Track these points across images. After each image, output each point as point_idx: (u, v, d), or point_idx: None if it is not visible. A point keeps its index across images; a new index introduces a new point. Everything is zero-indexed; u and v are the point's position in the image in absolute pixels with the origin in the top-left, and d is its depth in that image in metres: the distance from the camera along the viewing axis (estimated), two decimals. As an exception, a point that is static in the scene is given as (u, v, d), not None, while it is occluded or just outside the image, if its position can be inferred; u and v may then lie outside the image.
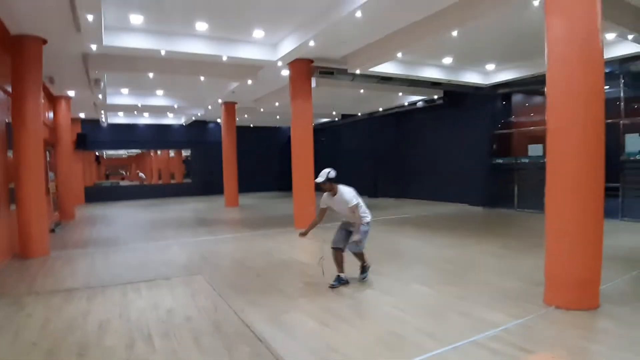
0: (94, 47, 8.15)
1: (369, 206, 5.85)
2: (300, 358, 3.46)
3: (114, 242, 9.19)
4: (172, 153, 30.24)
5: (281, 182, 22.01)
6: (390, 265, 6.38)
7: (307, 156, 10.34)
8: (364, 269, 5.81)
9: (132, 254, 7.84)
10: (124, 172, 45.17)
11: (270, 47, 9.57)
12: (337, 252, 5.67)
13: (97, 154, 33.55)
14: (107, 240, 9.46)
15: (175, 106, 15.80)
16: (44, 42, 7.84)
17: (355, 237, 5.43)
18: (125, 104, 14.95)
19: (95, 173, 36.63)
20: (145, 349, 3.68)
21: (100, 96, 12.69)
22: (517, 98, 13.63)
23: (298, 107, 10.37)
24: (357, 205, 5.43)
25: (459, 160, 14.37)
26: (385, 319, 4.29)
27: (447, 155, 14.96)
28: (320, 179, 5.47)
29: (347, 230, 5.73)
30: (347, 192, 5.47)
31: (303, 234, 5.81)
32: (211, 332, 4.04)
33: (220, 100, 15.26)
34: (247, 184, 21.67)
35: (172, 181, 25.25)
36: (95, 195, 20.31)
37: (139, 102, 14.86)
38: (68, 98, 13.48)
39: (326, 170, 5.52)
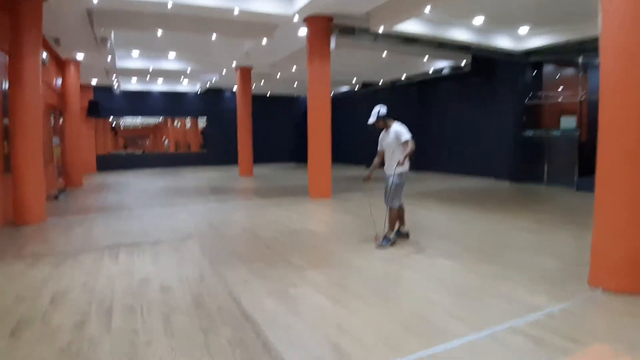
0: (95, 0, 7.55)
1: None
2: (298, 344, 2.92)
3: (118, 208, 8.80)
4: (188, 124, 29.89)
5: (298, 154, 21.40)
6: (412, 240, 5.77)
7: (324, 121, 9.69)
8: (386, 239, 5.47)
9: (134, 220, 7.42)
10: (142, 144, 45.32)
11: (285, 1, 8.83)
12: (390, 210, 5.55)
13: (113, 125, 33.51)
14: (111, 206, 9.08)
15: (188, 70, 15.17)
16: (44, -3, 7.29)
17: (390, 193, 5.39)
18: (137, 68, 14.38)
19: (112, 144, 36.69)
20: (97, 330, 3.10)
21: (109, 58, 12.16)
22: (549, 67, 12.66)
23: (315, 69, 9.66)
24: (408, 141, 5.24)
25: (486, 132, 13.52)
26: (408, 298, 3.75)
27: (473, 127, 14.10)
28: (372, 119, 5.42)
29: (387, 186, 5.52)
30: (401, 127, 5.39)
31: (366, 178, 5.67)
32: (188, 308, 3.51)
33: (234, 64, 14.58)
34: (262, 155, 21.15)
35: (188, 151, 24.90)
36: (109, 163, 20.03)
37: (150, 65, 14.28)
38: (77, 62, 13.00)
39: (376, 108, 5.42)
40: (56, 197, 10.20)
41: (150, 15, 8.76)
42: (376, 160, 5.68)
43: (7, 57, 7.15)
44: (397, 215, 5.54)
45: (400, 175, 5.40)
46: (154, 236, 6.17)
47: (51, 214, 7.85)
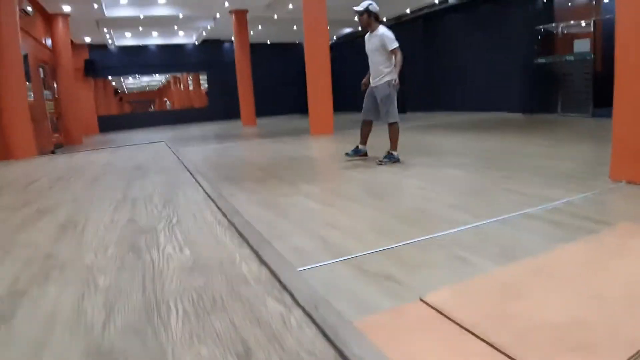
0: None
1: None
2: (278, 237, 2.58)
3: (107, 143, 8.47)
4: (191, 85, 29.30)
5: (302, 105, 20.78)
6: (417, 157, 5.32)
7: (323, 49, 9.13)
8: (389, 154, 4.88)
9: (129, 153, 7.10)
10: (147, 108, 44.84)
11: None
12: (365, 124, 5.15)
13: (117, 89, 33.00)
14: (105, 142, 8.76)
15: (180, 15, 14.48)
16: None
17: (381, 107, 4.89)
18: (127, 16, 13.76)
19: (118, 108, 36.33)
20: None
21: (95, 6, 11.56)
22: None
23: (310, -2, 9.03)
24: (396, 49, 4.68)
25: (496, 64, 12.78)
26: (407, 197, 3.36)
27: (482, 59, 13.34)
28: (359, 7, 4.82)
29: (374, 97, 4.95)
30: (387, 31, 4.78)
31: (364, 85, 5.17)
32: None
33: (227, 4, 13.85)
34: (266, 107, 20.64)
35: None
36: (112, 124, 19.72)
37: (141, 13, 13.64)
38: (65, 16, 12.44)
39: (367, 1, 4.79)
40: (53, 152, 9.94)
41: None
42: (369, 73, 5.16)
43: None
44: (397, 131, 4.95)
45: (389, 84, 4.81)
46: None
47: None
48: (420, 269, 1.95)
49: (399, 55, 4.71)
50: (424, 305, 1.56)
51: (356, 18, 5.02)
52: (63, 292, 1.76)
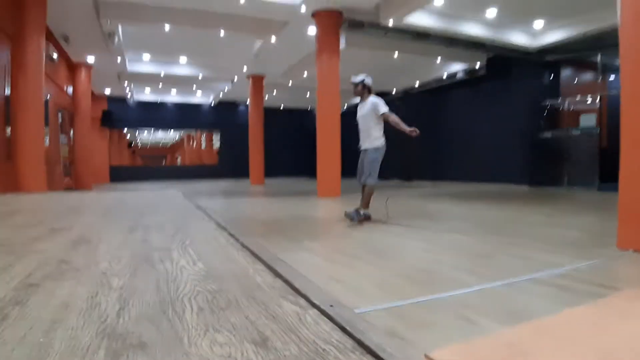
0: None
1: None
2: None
3: (120, 189, 8.57)
4: (204, 144, 30.05)
5: (310, 168, 21.12)
6: (421, 221, 5.35)
7: (333, 117, 9.45)
8: (357, 210, 5.06)
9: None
10: (159, 164, 45.64)
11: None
12: (363, 187, 5.28)
13: (131, 143, 33.87)
14: (113, 189, 8.86)
15: (200, 76, 15.18)
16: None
17: (365, 169, 5.13)
18: (148, 72, 14.45)
19: (130, 160, 37.06)
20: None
21: (119, 59, 12.20)
22: (566, 68, 12.26)
23: (324, 65, 9.46)
24: (385, 113, 4.95)
25: (502, 137, 13.06)
26: (411, 258, 3.32)
27: (488, 132, 13.65)
28: (355, 78, 5.18)
29: (363, 163, 5.22)
30: (377, 99, 5.08)
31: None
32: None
33: (245, 69, 14.52)
34: (275, 168, 21.03)
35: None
36: (123, 175, 20.07)
37: (161, 70, 14.33)
38: (88, 66, 13.14)
39: (362, 74, 5.20)
40: (62, 196, 10.09)
41: (155, 8, 8.73)
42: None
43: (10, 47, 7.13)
44: (371, 193, 5.17)
45: (378, 149, 5.09)
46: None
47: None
48: (425, 328, 1.91)
49: (393, 115, 4.98)
50: (428, 361, 1.51)
51: (356, 98, 5.35)
52: (77, 287, 1.78)
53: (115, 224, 3.47)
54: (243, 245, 2.57)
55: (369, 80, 5.17)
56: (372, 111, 5.04)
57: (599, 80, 11.00)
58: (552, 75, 12.17)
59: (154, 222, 3.57)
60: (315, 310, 1.40)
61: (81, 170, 12.93)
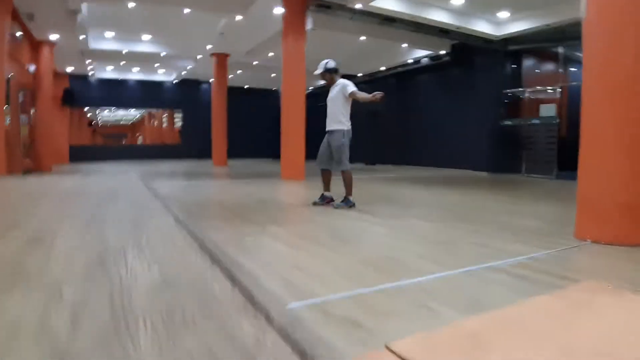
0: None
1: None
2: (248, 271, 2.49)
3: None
4: (165, 123, 29.16)
5: (275, 150, 20.92)
6: (383, 207, 5.37)
7: (298, 98, 9.29)
8: (345, 199, 5.03)
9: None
10: (120, 142, 44.05)
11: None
12: (324, 173, 5.20)
13: (92, 122, 32.46)
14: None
15: (162, 54, 14.62)
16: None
17: (335, 156, 5.00)
18: (111, 50, 13.80)
19: (90, 139, 35.56)
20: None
21: (81, 37, 11.57)
22: (529, 58, 12.54)
23: (289, 47, 9.27)
24: (354, 92, 4.86)
25: (464, 123, 13.30)
26: (374, 245, 3.33)
27: (451, 118, 13.87)
28: (318, 70, 5.06)
29: (328, 145, 5.09)
30: (346, 80, 5.00)
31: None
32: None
33: (209, 48, 14.08)
34: (239, 150, 20.66)
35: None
36: (83, 154, 19.26)
37: (124, 47, 13.71)
38: (51, 44, 12.42)
39: (324, 60, 5.07)
40: (24, 175, 9.61)
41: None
42: None
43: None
44: (351, 177, 5.05)
45: (344, 133, 4.98)
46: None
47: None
48: (387, 317, 1.89)
49: (360, 93, 4.90)
50: (390, 353, 1.49)
51: (321, 81, 5.16)
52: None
53: (71, 218, 3.25)
54: (201, 247, 2.47)
55: (331, 64, 5.07)
56: (340, 92, 4.96)
57: (560, 71, 11.30)
58: (515, 64, 12.42)
59: (110, 216, 3.37)
60: (274, 334, 1.34)
61: (41, 150, 12.29)
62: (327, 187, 5.27)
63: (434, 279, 2.41)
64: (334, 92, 5.07)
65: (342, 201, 5.02)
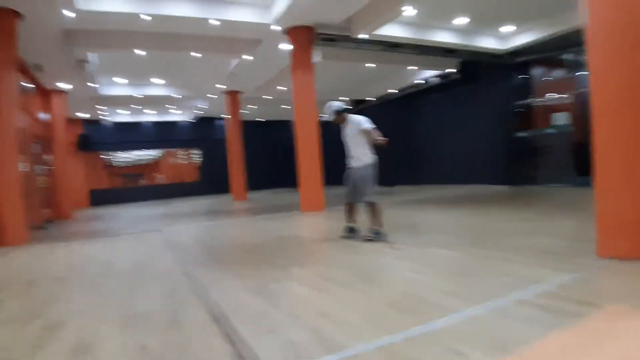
0: (69, 14, 7.42)
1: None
2: (271, 330, 2.57)
3: (107, 232, 8.44)
4: (183, 160, 29.68)
5: (293, 179, 21.14)
6: (404, 235, 5.40)
7: (312, 130, 9.43)
8: (375, 232, 5.08)
9: (112, 245, 7.01)
10: (139, 181, 44.90)
11: (263, 9, 8.72)
12: (348, 205, 5.31)
13: (108, 162, 33.26)
14: (95, 232, 8.71)
15: (175, 96, 15.07)
16: (17, 15, 7.18)
17: (360, 188, 5.07)
18: (122, 95, 14.28)
19: (108, 182, 36.36)
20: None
21: (91, 85, 12.04)
22: (537, 68, 12.54)
23: (299, 80, 9.49)
24: (370, 130, 4.91)
25: (478, 138, 13.28)
26: (398, 282, 3.36)
27: (464, 135, 13.87)
28: (330, 117, 5.19)
29: (354, 181, 5.18)
30: (359, 117, 5.10)
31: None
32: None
33: (221, 87, 14.48)
34: (257, 182, 20.99)
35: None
36: (103, 198, 19.77)
37: (136, 92, 14.18)
38: (62, 93, 12.90)
39: (329, 104, 5.22)
40: (44, 228, 9.88)
41: (123, 34, 8.65)
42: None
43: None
44: (378, 208, 5.09)
45: (369, 166, 5.09)
46: (131, 259, 5.80)
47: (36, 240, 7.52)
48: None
49: (374, 132, 4.93)
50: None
51: (334, 122, 5.25)
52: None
53: (101, 313, 3.14)
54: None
55: (337, 105, 5.19)
56: (356, 130, 5.04)
57: (570, 77, 11.24)
58: (523, 75, 12.44)
59: (140, 311, 3.24)
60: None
61: (60, 198, 12.69)
62: (351, 218, 5.36)
63: (461, 319, 2.44)
64: (350, 129, 5.16)
65: (373, 233, 5.07)
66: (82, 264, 5.16)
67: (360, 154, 5.09)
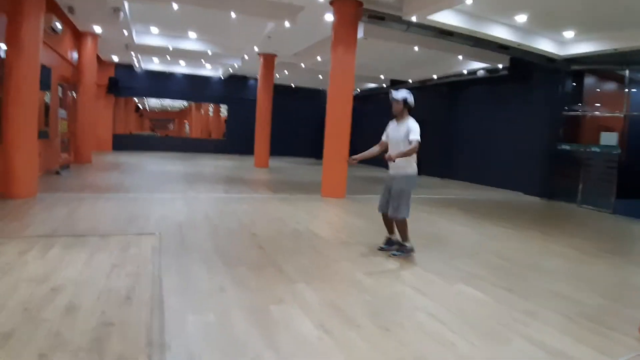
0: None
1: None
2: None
3: (116, 189, 8.25)
4: (211, 112, 29.57)
5: (318, 150, 20.61)
6: (429, 254, 4.98)
7: (344, 115, 8.94)
8: (400, 246, 4.81)
9: (125, 204, 6.79)
10: (167, 127, 45.18)
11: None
12: (384, 215, 4.93)
13: (138, 105, 33.41)
14: (109, 187, 8.54)
15: (209, 52, 14.57)
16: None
17: (394, 200, 4.69)
18: (156, 45, 13.85)
19: (137, 124, 36.58)
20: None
21: (125, 32, 11.65)
22: (591, 79, 11.59)
23: (339, 58, 8.90)
24: (415, 140, 4.47)
25: (517, 142, 12.49)
26: (417, 333, 2.94)
27: (503, 135, 13.08)
28: (397, 94, 4.66)
29: (390, 191, 4.77)
30: (415, 124, 4.59)
31: (352, 160, 5.08)
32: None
33: (256, 49, 13.90)
34: (282, 148, 20.66)
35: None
36: (126, 144, 19.76)
37: (170, 44, 13.74)
38: (95, 35, 12.58)
39: (405, 91, 4.74)
40: (57, 173, 9.77)
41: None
42: (375, 148, 5.03)
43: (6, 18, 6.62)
44: (405, 225, 4.75)
45: (409, 178, 4.67)
46: (138, 226, 5.54)
47: (44, 190, 7.34)
48: None
49: (416, 147, 4.49)
50: None
51: (393, 104, 4.72)
52: None
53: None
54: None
55: (411, 100, 4.67)
56: (406, 135, 4.56)
57: (624, 94, 10.35)
58: (576, 85, 11.52)
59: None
60: None
61: (81, 142, 12.58)
62: (391, 229, 4.98)
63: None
64: (399, 131, 4.68)
65: (398, 250, 4.81)
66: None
67: (402, 163, 4.62)
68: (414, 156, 4.62)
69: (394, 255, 4.76)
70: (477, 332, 2.99)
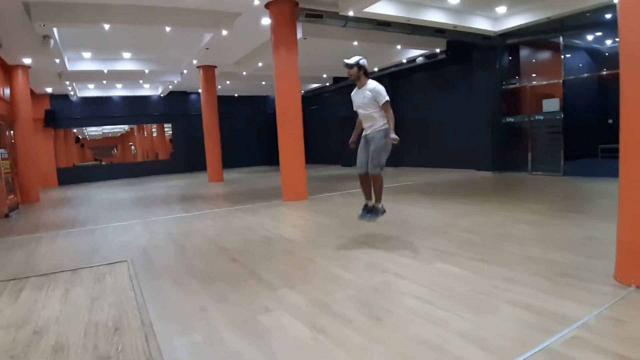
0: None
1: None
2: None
3: (71, 224, 7.81)
4: (155, 132, 28.64)
5: (271, 157, 20.47)
6: (402, 240, 5.04)
7: (295, 116, 8.90)
8: (374, 208, 4.93)
9: (84, 237, 6.44)
10: (111, 154, 43.38)
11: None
12: (363, 178, 4.94)
13: (78, 136, 31.86)
14: (64, 223, 8.06)
15: (146, 71, 14.10)
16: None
17: (371, 157, 4.74)
18: (90, 70, 13.24)
19: (79, 155, 34.87)
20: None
21: (57, 60, 11.07)
22: (526, 50, 12.18)
23: (282, 60, 8.85)
24: (388, 102, 4.60)
25: (464, 122, 12.95)
26: (408, 318, 2.94)
27: (449, 117, 13.53)
28: (349, 60, 4.67)
29: (368, 148, 4.83)
30: (378, 84, 4.66)
31: (350, 145, 5.20)
32: None
33: (195, 62, 13.60)
34: (234, 159, 20.40)
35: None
36: (72, 177, 18.77)
37: (104, 67, 13.18)
38: (25, 67, 11.88)
39: (358, 56, 4.71)
40: (7, 216, 9.17)
41: (90, 7, 7.81)
42: (358, 123, 5.07)
43: None
44: (382, 182, 4.87)
45: (385, 131, 4.70)
46: (100, 257, 5.26)
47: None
48: None
49: (390, 110, 4.64)
50: None
51: (348, 71, 4.77)
52: None
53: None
54: None
55: (364, 62, 4.70)
56: (373, 99, 4.65)
57: (559, 60, 10.92)
58: (512, 58, 12.06)
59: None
60: None
61: (26, 180, 11.85)
62: (369, 195, 5.02)
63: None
64: (364, 96, 4.73)
65: (373, 208, 4.94)
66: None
67: (376, 121, 4.74)
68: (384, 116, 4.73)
69: (370, 219, 4.93)
70: (464, 305, 3.04)
